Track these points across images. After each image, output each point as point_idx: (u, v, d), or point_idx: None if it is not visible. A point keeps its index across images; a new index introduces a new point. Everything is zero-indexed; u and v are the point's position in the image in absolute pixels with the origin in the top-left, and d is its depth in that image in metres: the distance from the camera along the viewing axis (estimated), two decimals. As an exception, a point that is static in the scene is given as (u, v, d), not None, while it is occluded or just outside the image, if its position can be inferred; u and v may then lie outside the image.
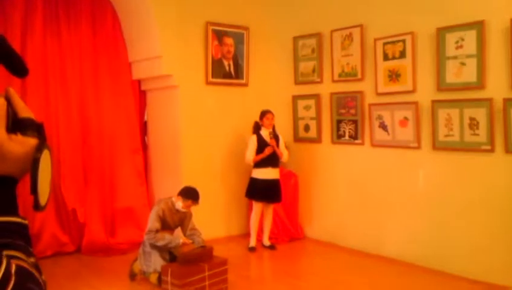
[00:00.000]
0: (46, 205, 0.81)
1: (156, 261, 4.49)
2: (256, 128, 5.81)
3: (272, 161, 5.72)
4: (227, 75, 6.25)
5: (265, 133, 5.76)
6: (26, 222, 0.76)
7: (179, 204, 4.60)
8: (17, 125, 0.76)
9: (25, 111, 0.78)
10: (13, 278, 0.63)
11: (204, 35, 6.00)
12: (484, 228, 4.58)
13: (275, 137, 5.75)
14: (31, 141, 0.77)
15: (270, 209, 5.88)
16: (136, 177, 6.09)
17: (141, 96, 6.45)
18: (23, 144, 0.75)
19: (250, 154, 5.72)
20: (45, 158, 0.78)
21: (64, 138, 5.65)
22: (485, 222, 4.57)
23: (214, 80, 6.11)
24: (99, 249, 5.68)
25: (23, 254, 0.70)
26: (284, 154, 5.84)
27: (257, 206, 5.80)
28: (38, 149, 0.77)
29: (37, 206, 0.77)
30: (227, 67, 6.24)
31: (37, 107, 5.28)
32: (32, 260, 0.72)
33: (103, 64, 5.93)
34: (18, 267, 0.66)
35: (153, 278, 4.51)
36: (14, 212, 0.75)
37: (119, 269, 5.05)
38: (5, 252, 0.65)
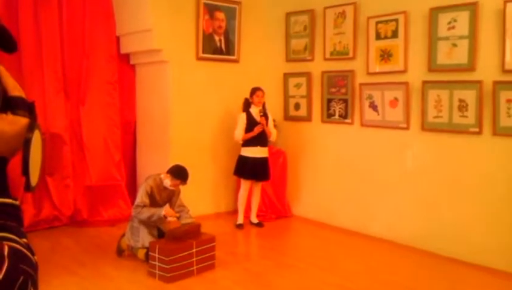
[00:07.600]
0: (37, 186, 0.79)
1: (144, 237, 4.49)
2: (246, 105, 5.74)
3: (261, 139, 5.68)
4: (218, 51, 6.17)
5: (255, 111, 5.69)
6: (17, 202, 0.74)
7: (167, 182, 4.58)
8: (7, 104, 0.74)
9: (15, 90, 0.75)
10: (6, 261, 0.63)
11: (195, 9, 5.90)
12: (471, 209, 4.64)
13: (265, 115, 5.70)
14: (22, 121, 0.74)
15: (258, 187, 5.89)
16: (117, 153, 6.02)
17: (130, 71, 6.35)
18: (14, 123, 0.73)
19: (239, 133, 5.66)
20: (36, 138, 0.77)
21: (50, 115, 5.56)
22: (471, 204, 4.63)
23: (205, 55, 6.03)
24: (84, 221, 5.72)
25: (15, 236, 0.69)
26: (273, 134, 5.80)
27: (245, 184, 5.81)
28: (30, 129, 0.75)
29: (28, 187, 0.75)
30: (218, 42, 6.16)
31: (27, 86, 5.17)
32: (24, 240, 0.71)
33: (92, 37, 5.82)
34: (11, 249, 0.65)
35: (141, 253, 4.52)
36: (5, 193, 0.73)
37: (106, 244, 5.06)
38: None
